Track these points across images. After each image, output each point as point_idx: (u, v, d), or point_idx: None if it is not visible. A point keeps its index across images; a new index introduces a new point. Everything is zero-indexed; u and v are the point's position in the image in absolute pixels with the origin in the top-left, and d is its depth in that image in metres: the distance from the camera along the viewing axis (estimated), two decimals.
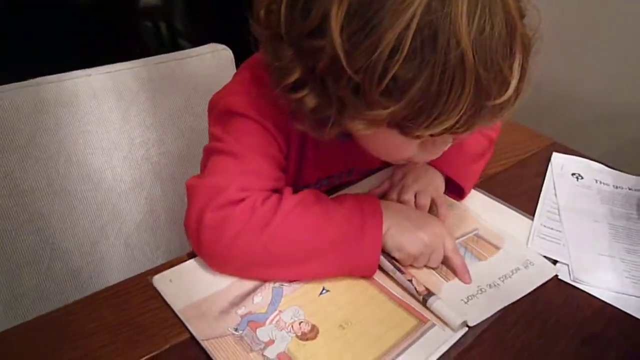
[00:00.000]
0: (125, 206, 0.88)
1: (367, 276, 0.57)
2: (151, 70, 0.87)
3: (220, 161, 0.57)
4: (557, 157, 0.80)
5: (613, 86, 1.28)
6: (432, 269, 0.59)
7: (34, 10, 1.66)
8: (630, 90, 1.25)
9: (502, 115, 0.47)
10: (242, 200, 0.53)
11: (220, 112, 0.60)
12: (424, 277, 0.57)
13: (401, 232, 0.57)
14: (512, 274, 0.59)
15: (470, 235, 0.65)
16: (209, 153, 0.59)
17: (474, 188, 0.72)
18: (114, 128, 0.85)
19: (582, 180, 0.76)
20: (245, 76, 0.61)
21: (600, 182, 0.75)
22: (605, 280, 0.59)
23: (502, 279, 0.58)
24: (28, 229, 0.79)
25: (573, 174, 0.77)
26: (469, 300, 0.55)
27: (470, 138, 0.70)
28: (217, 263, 0.55)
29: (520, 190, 0.74)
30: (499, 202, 0.71)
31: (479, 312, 0.53)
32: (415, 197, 0.66)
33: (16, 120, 0.76)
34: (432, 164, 0.70)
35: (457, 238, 0.64)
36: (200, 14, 2.27)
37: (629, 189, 0.74)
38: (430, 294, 0.53)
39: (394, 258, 0.58)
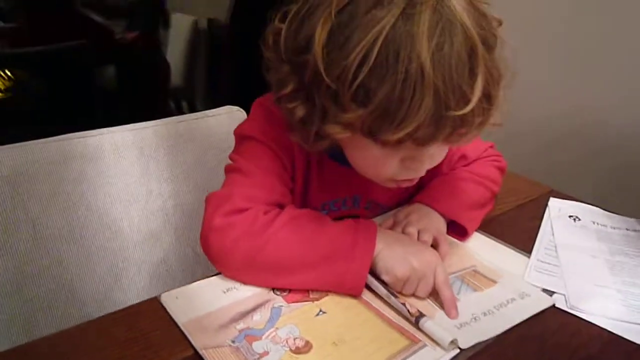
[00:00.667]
0: (140, 255, 0.92)
1: (354, 295, 0.59)
2: (170, 129, 0.95)
3: (231, 177, 0.66)
4: (554, 202, 0.82)
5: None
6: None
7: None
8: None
9: (467, 133, 0.53)
10: (247, 209, 0.60)
11: (236, 138, 0.70)
12: (418, 304, 0.58)
13: (391, 255, 0.59)
14: (508, 304, 0.60)
15: (467, 270, 0.66)
16: (226, 172, 0.68)
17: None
18: (133, 181, 0.91)
19: (580, 221, 0.77)
20: (257, 109, 0.70)
21: (598, 224, 0.77)
22: (601, 308, 0.59)
23: (497, 308, 0.59)
24: (48, 274, 0.83)
25: (570, 216, 0.78)
26: (462, 327, 0.56)
27: (473, 189, 0.76)
28: (221, 263, 0.60)
29: (518, 230, 0.75)
30: (496, 241, 0.72)
31: (472, 335, 0.54)
32: (417, 234, 0.68)
33: (43, 171, 0.83)
34: (435, 208, 0.73)
35: (454, 272, 0.65)
36: (219, 86, 2.47)
37: (627, 230, 0.76)
38: (422, 315, 0.55)
39: (387, 287, 0.59)
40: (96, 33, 2.20)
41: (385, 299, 0.58)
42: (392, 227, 0.71)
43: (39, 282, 0.82)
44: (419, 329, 0.54)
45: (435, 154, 0.60)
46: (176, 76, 2.72)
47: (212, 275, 0.62)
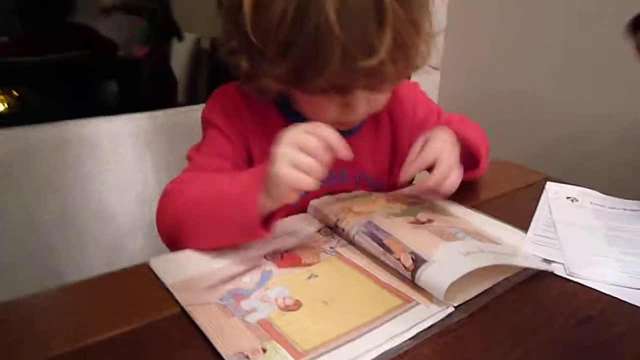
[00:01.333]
0: (133, 244, 0.91)
1: (258, 239, 0.57)
2: (169, 118, 0.96)
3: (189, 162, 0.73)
4: (551, 185, 0.81)
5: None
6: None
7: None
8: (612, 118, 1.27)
9: (386, 81, 0.59)
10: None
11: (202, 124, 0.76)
12: (420, 238, 0.57)
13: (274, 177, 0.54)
14: (511, 258, 0.58)
15: (471, 230, 0.64)
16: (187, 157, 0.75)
17: (469, 208, 0.74)
18: (130, 168, 0.91)
19: (577, 202, 0.76)
20: (211, 97, 0.76)
21: (596, 204, 0.76)
22: (600, 274, 0.57)
23: (501, 254, 0.58)
24: (37, 258, 0.83)
25: (568, 197, 0.77)
26: (468, 254, 0.54)
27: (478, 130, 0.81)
28: (158, 225, 0.66)
29: (514, 210, 0.74)
30: (493, 218, 0.71)
31: (468, 291, 0.52)
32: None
33: (39, 155, 0.83)
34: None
35: (457, 228, 0.63)
36: None
37: (624, 209, 0.74)
38: (418, 265, 0.53)
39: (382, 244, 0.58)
40: (98, 46, 2.21)
41: (381, 257, 0.57)
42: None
43: (27, 267, 0.81)
44: (416, 285, 0.53)
45: (371, 99, 0.64)
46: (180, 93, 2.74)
47: None
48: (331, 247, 0.60)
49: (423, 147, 0.69)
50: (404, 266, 0.54)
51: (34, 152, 0.83)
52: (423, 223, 0.63)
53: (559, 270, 0.59)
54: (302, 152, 0.53)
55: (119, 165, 0.90)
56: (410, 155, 0.70)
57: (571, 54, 1.39)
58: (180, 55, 2.83)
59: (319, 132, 0.54)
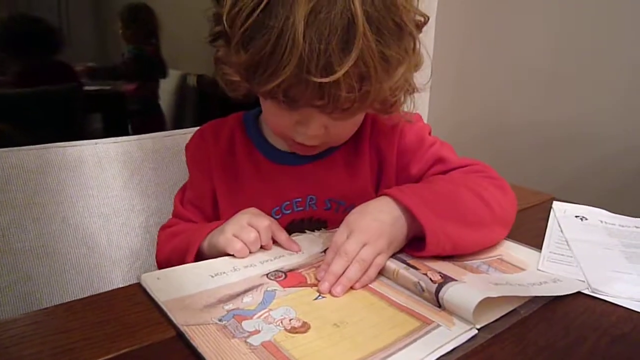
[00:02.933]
0: (118, 274, 0.85)
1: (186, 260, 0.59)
2: (157, 142, 0.91)
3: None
4: (558, 204, 0.79)
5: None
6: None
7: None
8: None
9: (335, 107, 0.54)
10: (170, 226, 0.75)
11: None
12: (446, 267, 0.54)
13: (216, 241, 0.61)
14: (540, 284, 0.55)
15: (493, 258, 0.61)
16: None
17: None
18: (115, 195, 0.86)
19: (587, 220, 0.73)
20: (193, 137, 0.79)
21: (606, 223, 0.73)
22: (626, 290, 0.54)
23: (529, 285, 0.54)
24: (16, 290, 0.76)
25: (577, 216, 0.75)
26: (497, 285, 0.51)
27: (464, 195, 0.62)
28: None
29: (524, 231, 0.70)
30: (505, 239, 0.67)
31: (490, 313, 0.48)
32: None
33: (19, 179, 0.78)
34: (397, 199, 0.58)
35: (480, 258, 0.60)
36: None
37: (636, 227, 0.72)
38: (446, 281, 0.49)
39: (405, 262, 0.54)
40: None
41: (402, 272, 0.53)
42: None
43: (4, 299, 0.75)
44: (434, 307, 0.48)
45: (329, 126, 0.60)
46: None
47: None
48: None
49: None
50: (430, 279, 0.49)
51: (12, 177, 0.77)
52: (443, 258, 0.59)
53: (580, 288, 0.55)
54: (248, 227, 0.60)
55: (102, 191, 0.85)
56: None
57: (555, 73, 1.40)
58: (165, 92, 2.83)
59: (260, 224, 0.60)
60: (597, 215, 0.76)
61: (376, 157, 0.73)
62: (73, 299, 0.78)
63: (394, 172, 0.72)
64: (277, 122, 0.63)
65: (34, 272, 0.78)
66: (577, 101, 1.36)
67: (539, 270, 0.58)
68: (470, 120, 1.63)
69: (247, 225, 0.59)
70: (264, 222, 0.60)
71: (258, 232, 0.59)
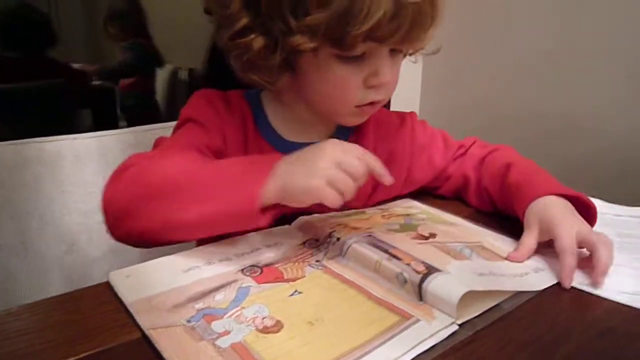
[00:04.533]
0: (98, 273, 0.83)
1: (252, 227, 0.52)
2: (137, 136, 0.89)
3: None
4: None
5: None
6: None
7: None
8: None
9: (422, 28, 0.56)
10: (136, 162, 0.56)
11: (177, 124, 0.67)
12: (429, 254, 0.52)
13: (297, 175, 0.51)
14: (522, 276, 0.53)
15: (474, 244, 0.59)
16: None
17: (465, 219, 0.68)
18: (94, 191, 0.84)
19: None
20: (196, 96, 0.69)
21: (601, 212, 0.71)
22: (616, 283, 0.52)
23: (512, 275, 0.53)
24: None
25: None
26: (481, 275, 0.50)
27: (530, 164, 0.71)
28: (109, 209, 0.55)
29: (511, 222, 0.68)
30: (494, 231, 0.65)
31: (471, 308, 0.46)
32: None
33: None
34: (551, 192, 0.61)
35: (461, 242, 0.58)
36: None
37: (631, 216, 0.70)
38: (430, 272, 0.47)
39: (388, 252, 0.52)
40: (70, 78, 2.19)
41: (385, 263, 0.50)
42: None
43: None
44: (415, 300, 0.47)
45: (394, 69, 0.61)
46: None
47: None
48: (317, 260, 0.54)
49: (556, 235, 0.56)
50: (415, 270, 0.48)
51: None
52: (427, 238, 0.58)
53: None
54: (343, 171, 0.50)
55: (81, 187, 0.83)
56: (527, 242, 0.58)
57: (548, 64, 1.38)
58: (158, 85, 2.81)
59: (363, 156, 0.52)
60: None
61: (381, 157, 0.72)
62: (54, 294, 0.77)
63: (405, 169, 0.74)
64: (344, 87, 0.60)
65: (14, 270, 0.76)
66: (570, 93, 1.35)
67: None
68: (462, 113, 1.61)
69: (341, 170, 0.50)
70: (360, 168, 0.51)
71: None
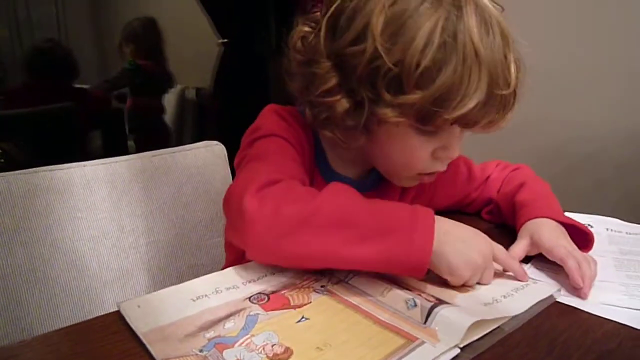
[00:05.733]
0: (109, 296, 0.84)
1: (417, 276, 0.54)
2: (145, 162, 0.91)
3: (248, 166, 0.62)
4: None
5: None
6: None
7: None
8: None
9: (503, 115, 0.58)
10: (278, 180, 0.55)
11: (248, 140, 0.67)
12: (435, 287, 0.55)
13: (453, 252, 0.53)
14: (514, 293, 0.56)
15: None
16: (237, 168, 0.66)
17: None
18: (104, 216, 0.86)
19: (592, 228, 0.72)
20: (271, 113, 0.70)
21: (612, 230, 0.73)
22: (597, 296, 0.55)
23: (503, 297, 0.55)
24: (6, 315, 0.76)
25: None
26: (486, 305, 0.53)
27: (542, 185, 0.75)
28: (264, 234, 0.52)
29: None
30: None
31: (473, 331, 0.48)
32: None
33: (7, 205, 0.78)
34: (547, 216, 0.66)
35: None
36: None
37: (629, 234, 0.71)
38: (440, 302, 0.50)
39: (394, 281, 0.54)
40: (84, 99, 2.26)
41: (388, 292, 0.53)
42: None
43: None
44: (420, 324, 0.48)
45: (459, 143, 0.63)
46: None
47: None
48: (322, 286, 0.55)
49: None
50: (426, 299, 0.50)
51: (1, 202, 0.77)
52: None
53: (561, 299, 0.56)
54: (486, 268, 0.55)
55: (92, 213, 0.84)
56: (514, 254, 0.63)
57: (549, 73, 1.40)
58: (166, 105, 2.85)
59: (509, 262, 0.58)
60: (604, 223, 0.76)
61: (410, 192, 0.77)
62: (64, 323, 0.79)
63: (427, 200, 0.78)
64: (413, 156, 0.63)
65: (24, 297, 0.77)
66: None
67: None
68: None
69: (482, 263, 0.55)
70: (489, 280, 0.56)
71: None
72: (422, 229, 0.51)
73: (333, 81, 0.59)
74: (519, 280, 0.57)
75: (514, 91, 0.57)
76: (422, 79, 0.54)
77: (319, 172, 0.71)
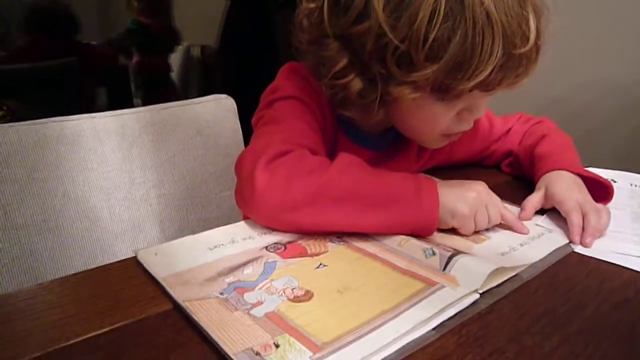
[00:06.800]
0: (121, 247, 0.85)
1: (425, 236, 0.55)
2: (154, 115, 0.90)
3: (263, 129, 0.62)
4: (591, 169, 0.78)
5: None
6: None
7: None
8: None
9: (526, 71, 0.56)
10: (290, 151, 0.55)
11: (267, 100, 0.66)
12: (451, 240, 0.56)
13: (451, 199, 0.55)
14: (530, 241, 0.57)
15: None
16: (255, 127, 0.64)
17: None
18: (115, 168, 0.86)
19: (616, 183, 0.72)
20: (290, 74, 0.68)
21: (636, 185, 0.72)
22: (609, 245, 0.56)
23: (520, 245, 0.56)
24: (18, 266, 0.76)
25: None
26: (504, 255, 0.54)
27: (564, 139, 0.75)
28: (275, 208, 0.53)
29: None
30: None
31: (491, 278, 0.48)
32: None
33: (17, 155, 0.77)
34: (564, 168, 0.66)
35: None
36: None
37: None
38: (458, 252, 0.50)
39: None
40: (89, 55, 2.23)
41: (413, 240, 0.54)
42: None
43: (8, 274, 0.75)
44: (437, 270, 0.49)
45: (486, 103, 0.62)
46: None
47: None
48: (338, 237, 0.56)
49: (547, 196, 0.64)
50: (444, 249, 0.51)
51: (11, 153, 0.76)
52: None
53: (577, 248, 0.56)
54: (485, 210, 0.56)
55: (102, 165, 0.84)
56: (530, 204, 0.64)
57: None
58: (172, 62, 2.81)
59: (503, 209, 0.58)
60: (628, 179, 0.75)
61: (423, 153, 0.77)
62: (75, 271, 0.80)
63: (446, 152, 0.77)
64: (437, 122, 0.62)
65: (37, 247, 0.78)
66: None
67: (537, 225, 0.61)
68: None
69: (477, 197, 0.56)
70: (497, 216, 0.58)
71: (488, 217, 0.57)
72: (427, 195, 0.54)
73: (344, 61, 0.57)
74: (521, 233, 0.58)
75: (536, 44, 0.54)
76: (432, 52, 0.51)
77: (342, 130, 0.70)
